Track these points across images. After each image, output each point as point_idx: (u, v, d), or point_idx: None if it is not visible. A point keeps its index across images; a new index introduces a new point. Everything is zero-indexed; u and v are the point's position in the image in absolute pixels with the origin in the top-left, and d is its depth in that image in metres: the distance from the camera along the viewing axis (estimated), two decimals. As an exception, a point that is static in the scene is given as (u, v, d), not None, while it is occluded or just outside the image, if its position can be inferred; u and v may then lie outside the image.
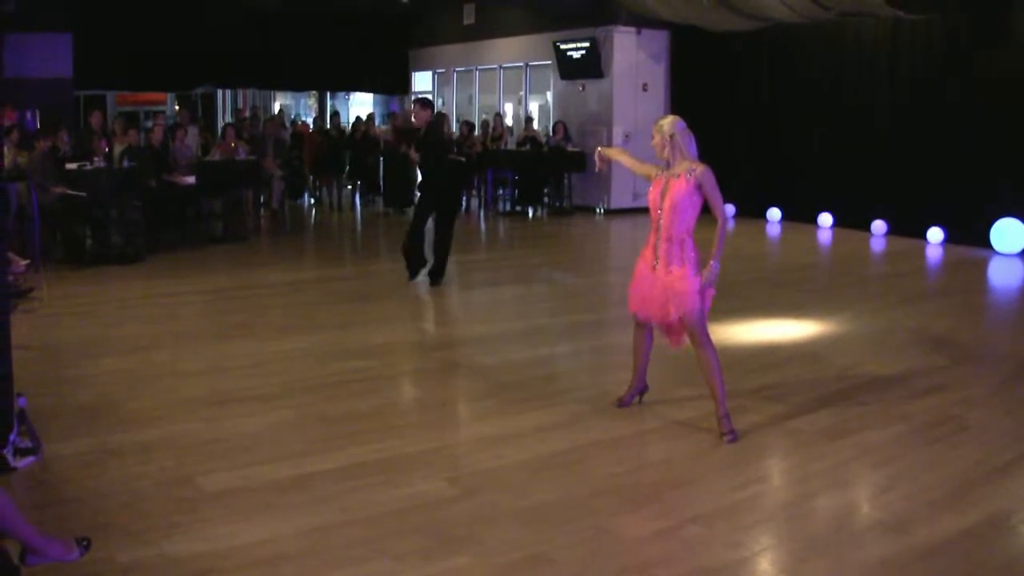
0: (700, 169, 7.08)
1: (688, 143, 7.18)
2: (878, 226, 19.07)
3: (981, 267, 16.04)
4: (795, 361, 9.35)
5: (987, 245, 17.10)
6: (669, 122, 7.21)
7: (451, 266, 13.48)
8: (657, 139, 7.22)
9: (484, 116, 26.04)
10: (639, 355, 7.77)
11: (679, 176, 7.11)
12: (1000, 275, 15.73)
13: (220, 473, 6.28)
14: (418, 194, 13.47)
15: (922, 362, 9.55)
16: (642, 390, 7.93)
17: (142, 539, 5.30)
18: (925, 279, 15.80)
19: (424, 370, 9.44)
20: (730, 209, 21.91)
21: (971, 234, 17.40)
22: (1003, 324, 12.52)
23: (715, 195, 7.12)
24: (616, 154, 8.08)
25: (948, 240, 17.93)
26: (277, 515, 5.66)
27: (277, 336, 10.36)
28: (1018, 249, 16.77)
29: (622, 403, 7.89)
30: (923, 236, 18.19)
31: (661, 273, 7.19)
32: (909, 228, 18.50)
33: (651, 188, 7.34)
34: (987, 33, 17.27)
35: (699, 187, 7.05)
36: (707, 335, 7.24)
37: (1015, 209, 16.79)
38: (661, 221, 7.19)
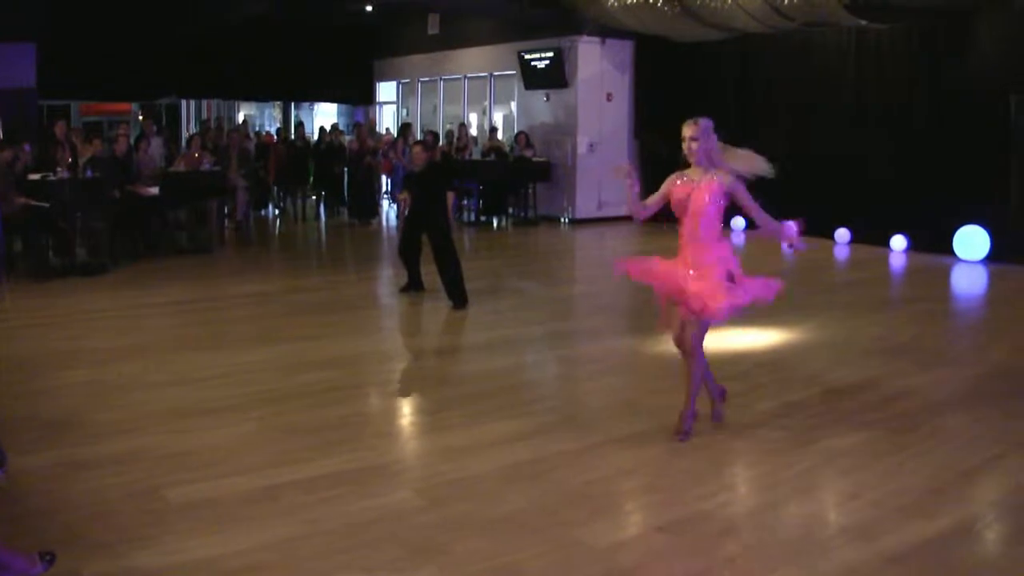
0: (728, 178, 7.09)
1: (715, 145, 7.15)
2: (842, 234, 19.17)
3: (945, 274, 16.15)
4: (761, 369, 9.38)
5: (950, 252, 17.21)
6: (697, 121, 7.17)
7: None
8: (692, 131, 7.13)
9: (449, 126, 26.05)
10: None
11: (702, 183, 7.14)
12: (964, 282, 15.85)
13: (188, 485, 6.24)
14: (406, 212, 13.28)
15: (888, 369, 9.61)
16: (722, 393, 7.80)
17: (109, 552, 5.26)
18: (889, 287, 15.89)
19: (392, 381, 9.42)
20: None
21: (934, 242, 17.52)
22: (967, 331, 12.60)
23: (746, 200, 7.13)
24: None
25: (911, 248, 18.05)
26: (245, 527, 5.63)
27: (244, 347, 10.32)
28: (981, 256, 16.89)
29: (715, 417, 7.71)
30: (886, 244, 18.30)
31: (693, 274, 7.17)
32: (872, 236, 18.61)
33: (676, 192, 7.32)
34: (951, 42, 17.39)
35: (727, 193, 7.06)
36: (701, 341, 7.29)
37: (978, 217, 16.92)
38: (687, 226, 7.24)
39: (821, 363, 9.78)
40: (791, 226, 7.20)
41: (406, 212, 13.01)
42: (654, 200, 7.54)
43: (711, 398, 7.75)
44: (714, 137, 7.16)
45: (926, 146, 17.72)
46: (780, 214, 7.35)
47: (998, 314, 13.65)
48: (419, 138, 22.78)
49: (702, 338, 7.29)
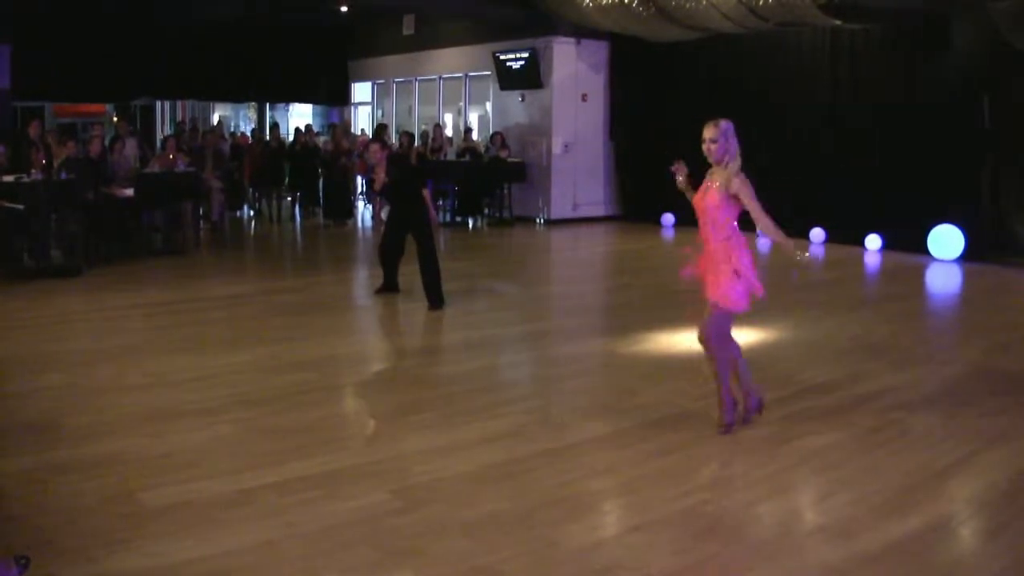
0: (737, 180, 7.09)
1: (735, 147, 7.16)
2: (816, 234, 19.24)
3: (919, 273, 16.23)
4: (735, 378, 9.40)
5: (925, 251, 17.29)
6: (717, 123, 7.16)
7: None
8: (712, 133, 7.12)
9: (424, 127, 26.04)
10: (736, 365, 7.57)
11: (714, 185, 7.19)
12: (938, 281, 15.93)
13: (163, 488, 6.21)
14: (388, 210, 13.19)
15: (863, 368, 9.64)
16: (758, 403, 7.72)
17: (84, 556, 5.23)
18: (864, 286, 15.96)
19: (368, 382, 9.42)
20: (670, 219, 22.07)
21: (909, 240, 17.60)
22: (942, 329, 12.68)
23: (752, 203, 7.11)
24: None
25: (886, 247, 18.14)
26: (222, 530, 5.60)
27: (220, 349, 10.28)
28: (956, 255, 16.97)
29: (747, 417, 7.66)
30: (861, 243, 18.38)
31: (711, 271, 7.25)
32: (847, 235, 18.69)
33: (698, 192, 7.39)
34: (924, 43, 17.47)
35: (735, 197, 7.08)
36: (721, 335, 7.36)
37: (952, 216, 17.01)
38: (702, 227, 7.30)
39: (796, 362, 9.81)
40: (789, 244, 7.20)
41: (380, 213, 13.01)
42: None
43: (743, 395, 7.67)
44: (734, 140, 7.18)
45: (900, 146, 17.83)
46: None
47: (972, 313, 13.73)
48: (394, 139, 22.82)
49: (723, 333, 7.35)
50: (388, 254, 13.03)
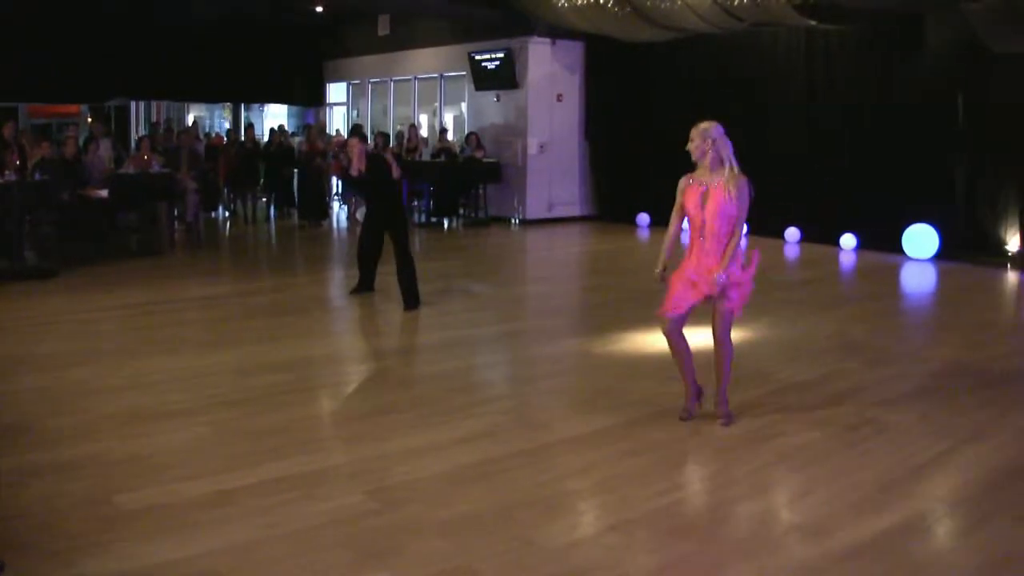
0: (742, 180, 7.24)
1: (727, 148, 7.25)
2: (791, 233, 19.29)
3: (894, 272, 16.30)
4: (712, 368, 9.38)
5: (899, 251, 17.36)
6: (706, 127, 7.29)
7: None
8: (697, 142, 7.27)
9: (399, 127, 26.00)
10: (683, 359, 7.73)
11: (719, 183, 7.23)
12: (913, 280, 15.99)
13: (140, 491, 6.18)
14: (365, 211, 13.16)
15: (838, 367, 9.69)
16: (699, 393, 7.89)
17: (61, 559, 5.20)
18: (839, 285, 16.00)
19: (344, 383, 9.39)
20: (645, 219, 22.11)
21: (884, 240, 17.67)
22: (917, 328, 12.73)
23: (744, 207, 7.23)
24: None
25: (861, 246, 18.20)
26: (199, 532, 5.58)
27: (196, 351, 10.24)
28: (930, 254, 17.05)
29: (688, 415, 7.81)
30: (836, 243, 18.44)
31: (703, 271, 7.33)
32: (822, 235, 18.75)
33: (688, 194, 7.41)
34: (900, 42, 17.54)
35: (739, 195, 7.14)
36: (729, 331, 7.54)
37: (927, 215, 17.08)
38: (705, 227, 7.32)
39: (772, 361, 9.84)
40: (720, 277, 7.28)
41: (356, 214, 12.98)
42: (678, 215, 7.63)
43: (687, 390, 7.85)
44: (727, 140, 7.32)
45: (875, 145, 17.90)
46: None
47: (947, 311, 13.78)
48: (369, 140, 22.75)
49: (730, 325, 7.55)
50: (366, 254, 13.01)
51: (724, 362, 7.60)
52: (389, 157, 13.23)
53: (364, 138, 13.35)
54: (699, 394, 7.89)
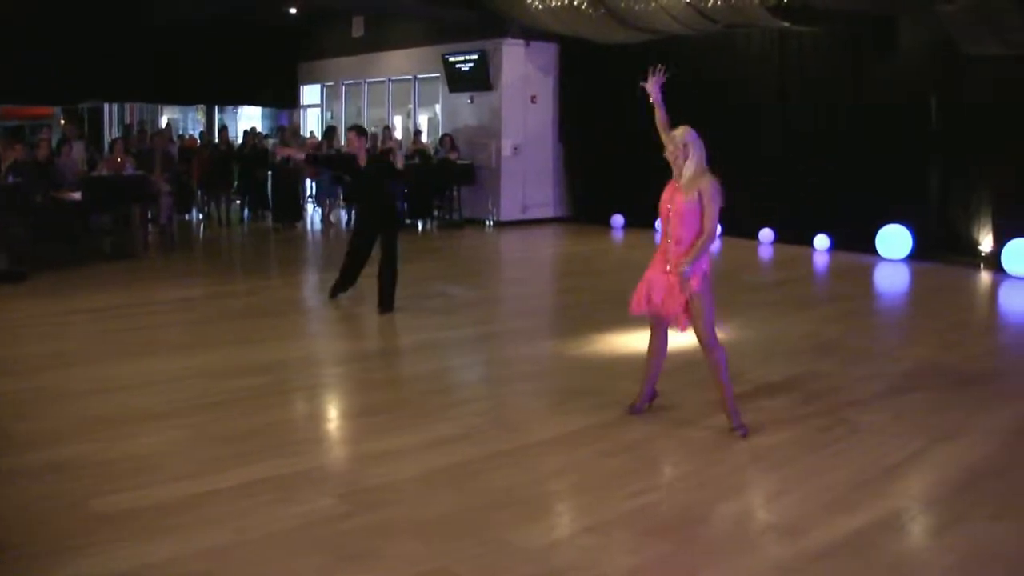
0: (706, 182, 7.23)
1: (699, 152, 7.28)
2: (765, 234, 19.35)
3: (868, 273, 16.36)
4: (686, 369, 9.37)
5: (873, 251, 17.43)
6: (682, 132, 7.34)
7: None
8: (671, 149, 7.34)
9: (373, 129, 25.93)
10: (653, 359, 7.81)
11: (688, 187, 7.26)
12: (886, 280, 16.06)
13: (114, 495, 6.15)
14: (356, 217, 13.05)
15: (812, 367, 9.72)
16: (652, 396, 7.98)
17: (34, 564, 5.18)
18: (813, 285, 16.06)
19: (318, 386, 9.36)
20: (619, 220, 22.13)
21: (857, 240, 17.74)
22: (890, 328, 12.77)
23: (711, 207, 7.21)
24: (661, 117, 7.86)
25: (834, 247, 18.26)
26: (172, 536, 5.55)
27: (169, 354, 10.20)
28: (904, 255, 17.12)
29: (634, 410, 7.94)
30: (810, 243, 18.49)
31: (673, 275, 7.33)
32: (796, 235, 18.81)
33: (664, 195, 7.47)
34: (873, 43, 17.61)
35: (702, 197, 7.16)
36: (714, 336, 7.44)
37: (900, 215, 17.16)
38: (670, 226, 7.36)
39: (747, 362, 9.84)
40: (686, 271, 7.28)
41: (330, 216, 12.91)
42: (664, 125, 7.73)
43: (643, 387, 7.94)
44: (700, 144, 7.36)
45: (848, 146, 17.96)
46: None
47: (920, 311, 13.85)
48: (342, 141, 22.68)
49: (712, 331, 7.45)
50: (359, 255, 12.79)
51: (718, 373, 7.50)
52: (394, 146, 13.15)
53: (362, 131, 13.10)
54: (652, 398, 8.01)
